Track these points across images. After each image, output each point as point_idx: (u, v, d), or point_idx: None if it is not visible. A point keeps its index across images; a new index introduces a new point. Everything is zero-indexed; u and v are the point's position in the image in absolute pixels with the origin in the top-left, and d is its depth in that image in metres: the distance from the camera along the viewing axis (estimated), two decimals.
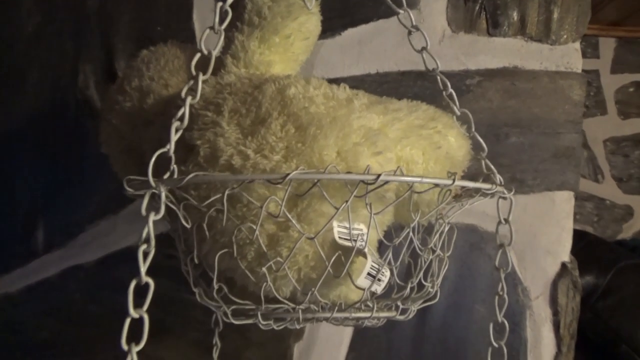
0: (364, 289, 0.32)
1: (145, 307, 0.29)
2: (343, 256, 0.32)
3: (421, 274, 0.35)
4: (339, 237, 0.33)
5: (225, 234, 0.33)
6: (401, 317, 0.37)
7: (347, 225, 0.33)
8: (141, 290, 0.30)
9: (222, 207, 0.32)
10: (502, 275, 0.39)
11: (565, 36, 0.66)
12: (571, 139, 0.66)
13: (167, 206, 0.32)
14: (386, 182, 0.30)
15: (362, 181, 0.29)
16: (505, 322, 0.38)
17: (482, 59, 0.67)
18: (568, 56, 0.67)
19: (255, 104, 0.34)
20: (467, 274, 0.67)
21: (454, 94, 0.42)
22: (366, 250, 0.32)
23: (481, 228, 0.66)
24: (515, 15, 0.67)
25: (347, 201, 0.30)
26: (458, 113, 0.41)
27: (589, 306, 0.83)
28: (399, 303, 0.35)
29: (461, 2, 0.67)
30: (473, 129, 0.41)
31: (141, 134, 0.44)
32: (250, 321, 0.36)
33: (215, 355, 0.54)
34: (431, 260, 0.36)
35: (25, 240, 0.72)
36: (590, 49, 1.61)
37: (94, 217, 0.71)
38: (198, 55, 0.35)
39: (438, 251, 0.36)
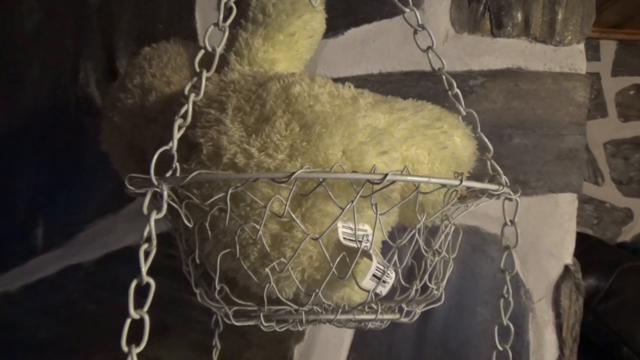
0: (368, 291, 0.32)
1: (146, 307, 0.29)
2: (348, 257, 0.31)
3: (426, 276, 0.35)
4: (344, 238, 0.32)
5: (227, 233, 0.33)
6: (405, 320, 0.36)
7: (352, 226, 0.32)
8: (142, 290, 0.30)
9: (225, 207, 0.31)
10: (508, 278, 0.38)
11: (569, 37, 0.66)
12: (575, 140, 0.66)
13: (168, 205, 0.31)
14: (392, 182, 0.29)
15: (369, 181, 0.29)
16: (511, 325, 0.38)
17: (485, 60, 0.67)
18: (572, 57, 0.66)
19: (260, 102, 0.34)
20: (469, 275, 0.67)
21: (459, 93, 0.41)
22: (371, 251, 0.31)
23: (484, 230, 0.66)
24: (519, 16, 0.67)
25: (352, 201, 0.29)
26: (464, 113, 0.41)
27: (590, 309, 0.83)
28: (403, 305, 0.35)
29: (465, 3, 0.67)
30: (479, 129, 0.40)
31: (143, 131, 0.44)
32: (251, 323, 0.35)
33: (215, 356, 0.53)
34: (435, 262, 0.35)
35: (24, 238, 0.71)
36: (590, 52, 1.61)
37: (94, 216, 0.70)
38: (202, 52, 0.34)
39: (443, 253, 0.36)
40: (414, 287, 0.34)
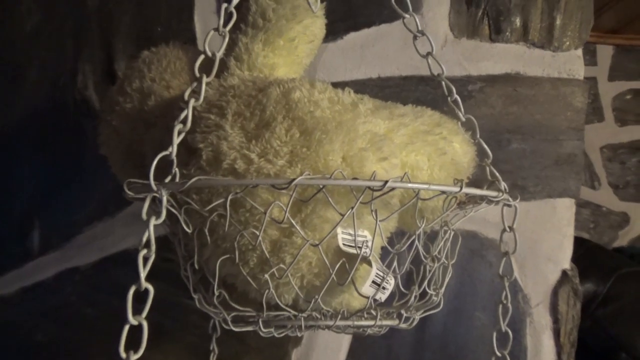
0: (368, 297, 0.32)
1: (144, 314, 0.29)
2: (347, 263, 0.31)
3: (425, 282, 0.35)
4: (343, 244, 0.32)
5: (227, 239, 0.33)
6: (404, 326, 0.36)
7: (352, 232, 0.32)
8: (140, 295, 0.30)
9: (224, 212, 0.31)
10: (506, 284, 0.38)
11: (567, 43, 0.66)
12: (573, 145, 0.66)
13: (167, 210, 0.31)
14: (392, 189, 0.29)
15: (369, 187, 0.29)
16: (509, 331, 0.38)
17: (484, 65, 0.67)
18: (570, 63, 0.67)
19: (260, 108, 0.34)
20: (467, 280, 0.67)
21: (459, 99, 0.41)
22: (371, 257, 0.31)
23: (482, 234, 0.66)
24: (517, 22, 0.67)
25: (352, 207, 0.29)
26: (463, 119, 0.41)
27: (588, 314, 0.83)
28: (402, 311, 0.35)
29: (464, 8, 0.67)
30: (478, 135, 0.40)
31: (142, 136, 0.44)
32: (250, 328, 0.35)
33: None
34: (435, 269, 0.35)
35: (21, 241, 0.71)
36: (587, 56, 1.61)
37: (92, 218, 0.70)
38: (202, 57, 0.34)
39: (443, 259, 0.36)
40: (413, 294, 0.34)
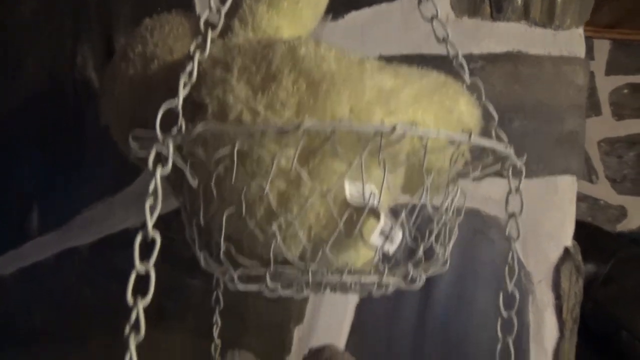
0: (376, 248, 0.31)
1: (152, 261, 0.28)
2: (355, 215, 0.31)
3: (432, 237, 0.35)
4: (351, 196, 0.32)
5: (233, 192, 0.32)
6: (410, 286, 0.36)
7: (359, 185, 0.32)
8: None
9: (230, 164, 0.31)
10: (513, 245, 0.38)
11: (568, 21, 0.67)
12: (574, 123, 0.66)
13: (172, 170, 0.31)
14: (401, 137, 0.29)
15: (378, 133, 0.28)
16: (516, 292, 0.37)
17: (485, 44, 0.67)
18: (571, 41, 0.67)
19: (266, 62, 0.33)
20: (469, 262, 0.66)
21: (464, 62, 0.41)
22: (379, 208, 0.31)
23: (484, 212, 0.66)
24: (519, 0, 0.67)
25: (361, 155, 0.29)
26: (468, 82, 0.41)
27: (589, 296, 0.83)
28: (409, 268, 0.34)
29: None
30: (484, 98, 0.40)
31: (144, 102, 0.43)
32: (256, 287, 0.35)
33: (215, 333, 0.53)
34: (442, 223, 0.35)
35: (20, 222, 0.70)
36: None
37: (91, 199, 0.69)
38: (207, 11, 0.34)
39: (450, 214, 0.35)
40: (421, 248, 0.34)
